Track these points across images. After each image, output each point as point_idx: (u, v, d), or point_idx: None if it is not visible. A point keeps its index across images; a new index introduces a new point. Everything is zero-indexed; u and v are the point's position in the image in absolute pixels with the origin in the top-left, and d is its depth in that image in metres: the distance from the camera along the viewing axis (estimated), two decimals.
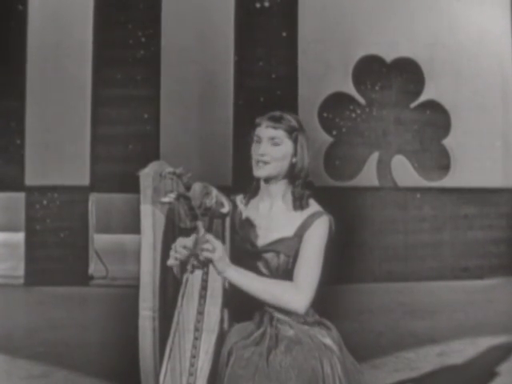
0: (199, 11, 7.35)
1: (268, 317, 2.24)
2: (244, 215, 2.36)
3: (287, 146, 2.28)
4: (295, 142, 2.29)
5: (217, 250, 2.08)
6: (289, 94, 7.31)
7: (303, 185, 2.31)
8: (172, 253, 2.07)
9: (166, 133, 7.28)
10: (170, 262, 2.08)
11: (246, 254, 2.28)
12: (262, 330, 2.21)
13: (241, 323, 2.24)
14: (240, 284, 2.14)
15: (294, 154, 2.29)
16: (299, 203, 2.30)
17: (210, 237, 2.10)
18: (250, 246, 2.29)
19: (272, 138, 2.27)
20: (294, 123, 2.29)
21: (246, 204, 2.38)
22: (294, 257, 2.25)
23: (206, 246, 2.08)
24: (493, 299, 6.59)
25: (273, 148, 2.27)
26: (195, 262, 2.12)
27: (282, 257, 2.25)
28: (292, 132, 2.29)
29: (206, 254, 2.09)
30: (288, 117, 2.30)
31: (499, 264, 7.69)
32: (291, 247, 2.25)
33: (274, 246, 2.27)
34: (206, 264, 2.14)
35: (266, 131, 2.28)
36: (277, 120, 2.28)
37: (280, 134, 2.28)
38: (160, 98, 7.28)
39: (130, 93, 7.25)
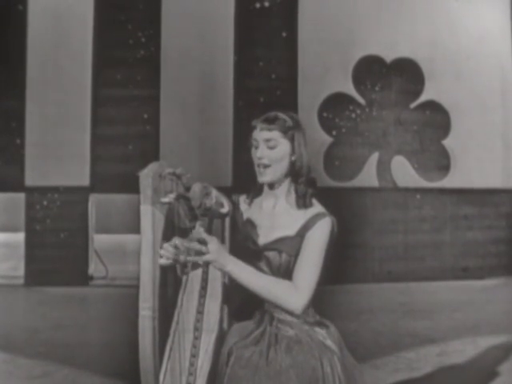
0: (199, 11, 7.36)
1: (268, 316, 2.24)
2: (246, 214, 2.35)
3: (284, 146, 2.27)
4: (292, 140, 2.28)
5: (210, 251, 2.07)
6: (289, 95, 7.32)
7: (306, 182, 2.31)
8: (162, 252, 2.06)
9: (166, 133, 7.28)
10: (160, 261, 2.06)
11: (248, 252, 2.27)
12: (262, 328, 2.21)
13: (241, 322, 2.24)
14: (239, 279, 2.14)
15: (293, 153, 2.29)
16: (303, 201, 2.29)
17: (204, 236, 2.08)
18: (252, 244, 2.29)
19: (267, 141, 2.26)
20: (288, 122, 2.28)
21: (250, 203, 2.38)
22: (296, 256, 2.24)
23: (194, 245, 2.07)
24: (492, 299, 6.60)
25: (269, 151, 2.26)
26: (190, 261, 2.10)
27: (284, 256, 2.25)
28: (287, 131, 2.27)
29: (197, 259, 2.08)
30: (283, 116, 2.28)
31: (499, 264, 7.70)
32: (293, 246, 2.24)
33: (276, 245, 2.26)
34: (204, 264, 2.13)
35: (261, 134, 2.27)
36: (271, 121, 2.27)
37: (275, 135, 2.27)
38: (160, 98, 7.29)
39: (130, 93, 7.26)
